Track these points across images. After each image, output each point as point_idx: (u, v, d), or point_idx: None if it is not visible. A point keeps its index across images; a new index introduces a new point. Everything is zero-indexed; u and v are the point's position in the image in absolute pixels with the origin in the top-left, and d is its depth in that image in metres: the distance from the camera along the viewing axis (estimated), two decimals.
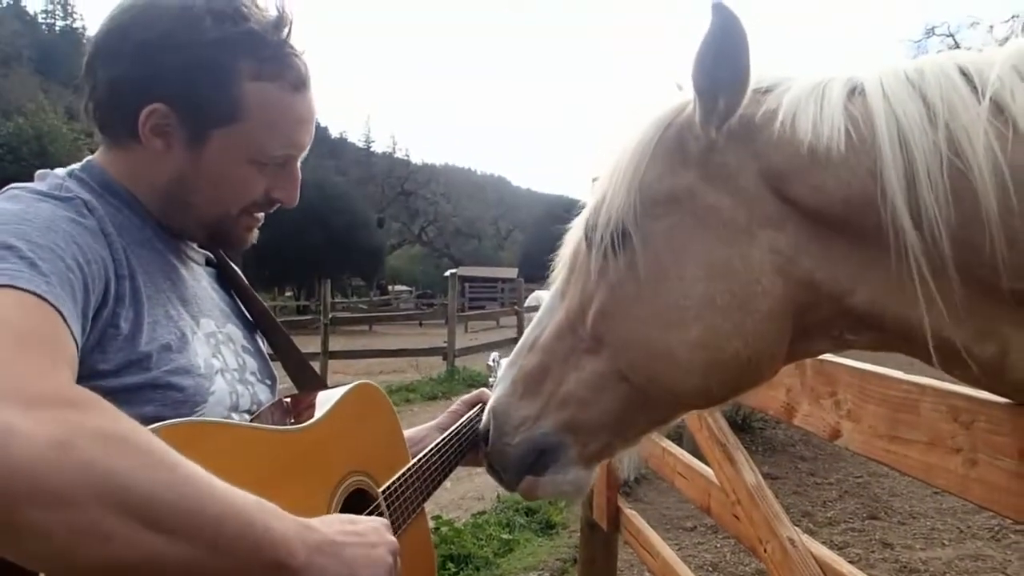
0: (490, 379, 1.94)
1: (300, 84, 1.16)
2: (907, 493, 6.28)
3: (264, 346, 1.39)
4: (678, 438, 4.60)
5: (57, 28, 68.57)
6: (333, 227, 34.71)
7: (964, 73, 0.91)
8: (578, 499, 1.49)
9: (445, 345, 13.64)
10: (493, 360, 1.99)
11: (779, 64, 1.07)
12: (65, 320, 0.87)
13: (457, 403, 1.70)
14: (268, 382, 1.30)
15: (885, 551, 5.24)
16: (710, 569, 4.94)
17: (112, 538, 0.70)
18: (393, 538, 1.03)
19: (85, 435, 0.70)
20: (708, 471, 2.41)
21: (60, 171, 1.14)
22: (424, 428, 1.61)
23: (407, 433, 1.54)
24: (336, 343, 14.00)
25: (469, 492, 6.63)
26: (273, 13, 1.13)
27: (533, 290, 20.79)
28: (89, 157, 1.19)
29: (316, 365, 11.54)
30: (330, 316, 13.37)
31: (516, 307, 17.47)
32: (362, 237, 39.15)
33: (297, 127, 1.18)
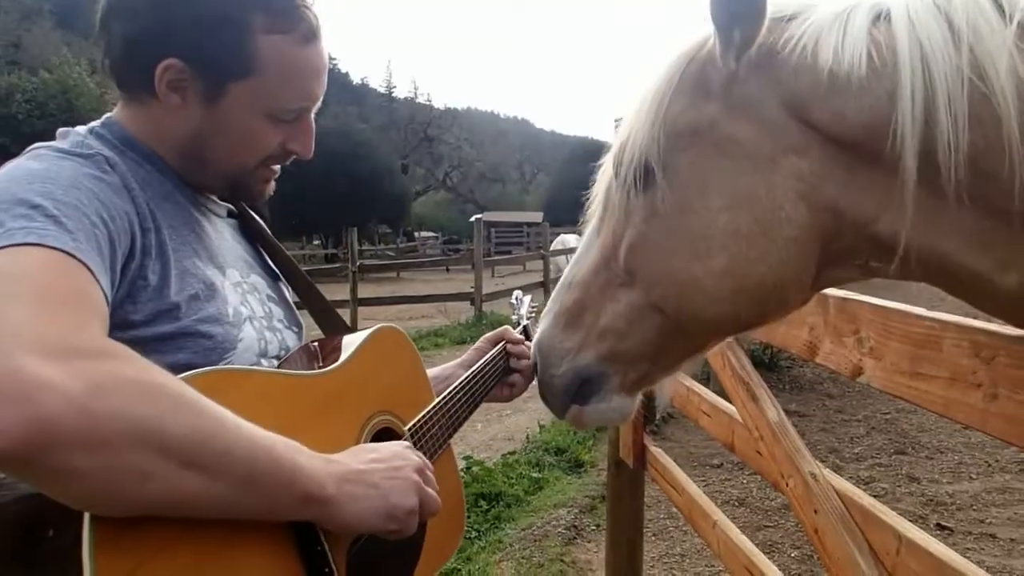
0: (513, 316, 1.97)
1: (312, 36, 1.17)
2: (935, 428, 6.29)
3: (289, 294, 1.42)
4: (706, 378, 4.64)
5: None
6: (358, 174, 34.69)
7: None
8: (621, 424, 1.55)
9: (472, 290, 13.75)
10: (516, 297, 2.03)
11: None
12: (93, 275, 0.90)
13: (481, 340, 1.73)
14: (295, 329, 1.33)
15: (912, 485, 5.29)
16: (737, 504, 5.03)
17: (151, 477, 0.75)
18: (417, 457, 1.07)
19: (116, 383, 0.75)
20: (731, 409, 2.45)
21: (81, 128, 1.16)
22: (450, 366, 1.65)
23: (433, 371, 1.58)
24: (364, 290, 14.16)
25: (499, 433, 6.78)
26: None
27: (559, 234, 20.78)
28: (108, 114, 1.20)
29: (346, 313, 11.72)
30: (358, 264, 13.51)
31: (542, 251, 17.45)
32: (387, 184, 39.10)
33: (311, 79, 1.19)
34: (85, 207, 0.96)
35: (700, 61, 1.08)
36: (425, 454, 1.19)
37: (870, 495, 1.75)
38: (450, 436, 1.43)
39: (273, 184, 1.29)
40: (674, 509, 4.28)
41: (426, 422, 1.34)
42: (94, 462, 0.71)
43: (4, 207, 0.90)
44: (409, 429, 1.29)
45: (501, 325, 1.82)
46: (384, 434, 1.24)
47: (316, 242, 41.14)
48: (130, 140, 1.15)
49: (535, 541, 4.48)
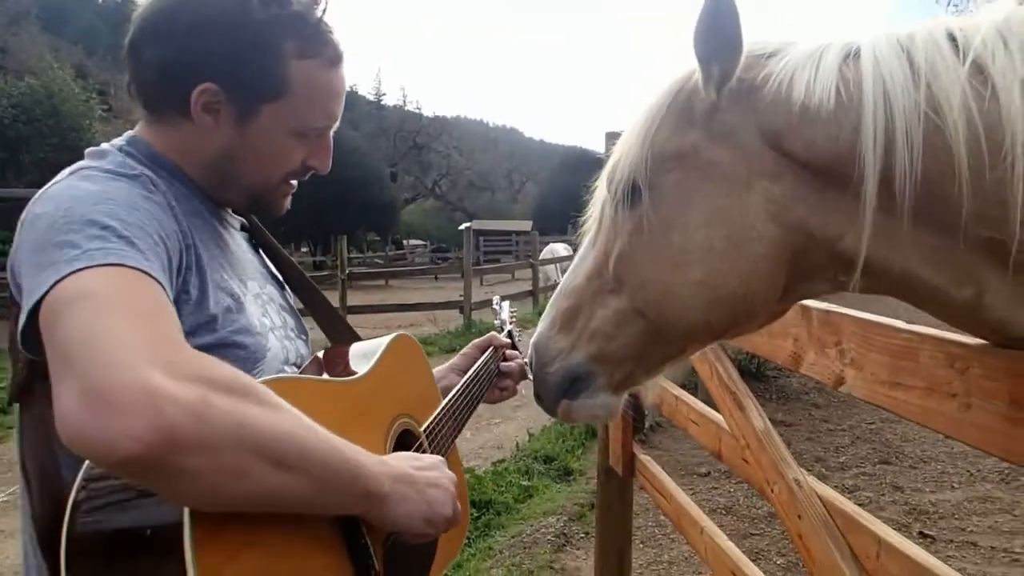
0: (496, 321, 2.06)
1: (337, 60, 1.24)
2: (918, 438, 6.38)
3: (295, 303, 1.47)
4: (694, 388, 4.70)
5: None
6: (347, 182, 34.60)
7: (952, 37, 0.97)
8: (609, 421, 1.64)
9: (461, 299, 13.78)
10: (496, 303, 2.12)
11: (784, 31, 1.15)
12: (165, 291, 0.96)
13: (468, 347, 1.81)
14: (303, 337, 1.40)
15: (895, 494, 5.37)
16: (724, 512, 5.09)
17: (248, 476, 0.82)
18: (450, 472, 1.16)
19: (219, 391, 0.81)
20: (719, 417, 2.50)
21: (109, 147, 1.19)
22: (442, 369, 1.74)
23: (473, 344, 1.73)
24: (353, 298, 14.17)
25: (488, 442, 6.81)
26: None
27: (548, 243, 20.84)
28: (131, 132, 1.24)
29: None
30: (347, 271, 13.50)
31: (531, 260, 17.51)
32: (376, 192, 39.09)
33: (334, 100, 1.26)
34: (147, 226, 1.01)
35: (687, 91, 1.17)
36: (438, 452, 1.28)
37: (854, 504, 1.80)
38: (456, 436, 1.52)
39: (290, 198, 1.35)
40: (662, 516, 4.33)
41: (437, 424, 1.44)
42: (205, 463, 0.78)
43: (76, 228, 0.94)
44: (424, 430, 1.39)
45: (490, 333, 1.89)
46: (405, 435, 1.34)
47: (304, 249, 41.00)
48: (158, 158, 1.19)
49: (525, 548, 4.52)
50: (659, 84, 1.22)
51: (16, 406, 1.09)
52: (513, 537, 4.66)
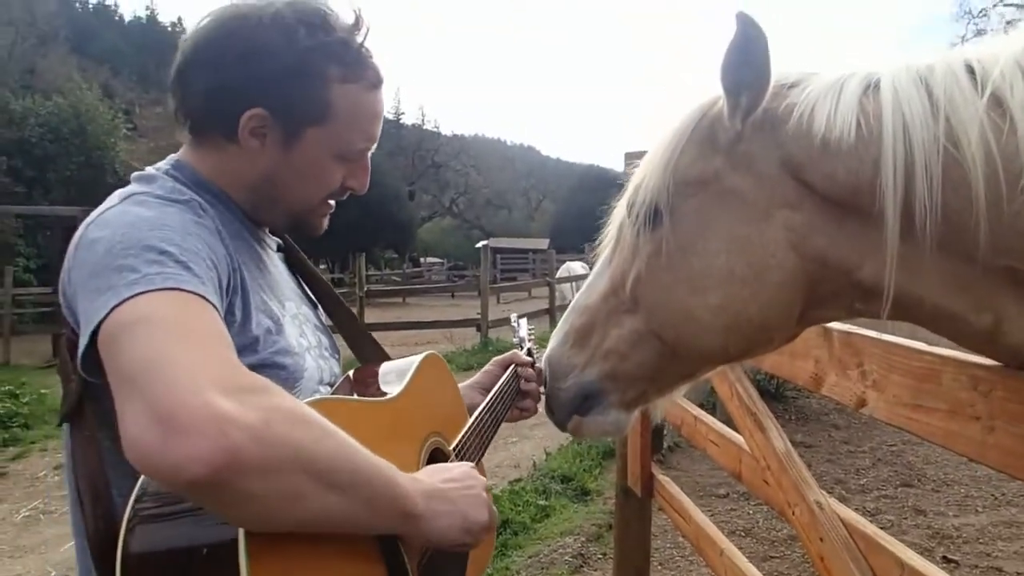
0: (514, 339, 2.07)
1: (378, 83, 1.27)
2: (941, 461, 6.29)
3: (326, 321, 1.50)
4: (712, 408, 4.67)
5: (90, 6, 69.26)
6: (365, 200, 34.52)
7: (970, 69, 0.99)
8: (618, 437, 1.67)
9: (478, 316, 13.81)
10: (514, 321, 2.14)
11: (803, 62, 1.16)
12: (220, 314, 0.98)
13: (490, 364, 1.82)
14: (336, 356, 1.42)
15: (918, 518, 5.29)
16: (743, 534, 5.04)
17: (304, 497, 0.84)
18: (483, 477, 1.18)
19: (277, 415, 0.83)
20: (739, 439, 2.49)
21: (156, 172, 1.22)
22: (464, 387, 1.74)
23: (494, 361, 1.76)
24: (371, 315, 14.23)
25: (505, 461, 6.79)
26: (351, 19, 1.23)
27: (564, 261, 20.86)
28: (175, 156, 1.28)
29: None
30: (365, 289, 13.57)
31: (548, 278, 17.52)
32: (394, 210, 39.30)
33: (374, 122, 1.29)
34: (200, 251, 1.04)
35: (711, 118, 1.18)
36: None
37: (875, 526, 1.79)
38: (482, 454, 1.55)
39: (327, 219, 1.37)
40: (680, 539, 4.30)
41: (466, 442, 1.47)
42: (266, 486, 0.80)
43: (134, 253, 0.97)
44: (454, 448, 1.42)
45: (506, 351, 1.90)
46: (436, 454, 1.35)
47: (323, 267, 41.28)
48: (203, 182, 1.23)
49: (542, 569, 4.50)
50: (682, 108, 1.24)
51: (65, 426, 1.11)
52: (531, 557, 4.64)
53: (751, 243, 1.13)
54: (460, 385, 1.74)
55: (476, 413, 1.57)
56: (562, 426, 1.43)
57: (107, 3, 68.97)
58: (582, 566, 4.59)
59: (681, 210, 1.18)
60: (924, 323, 1.12)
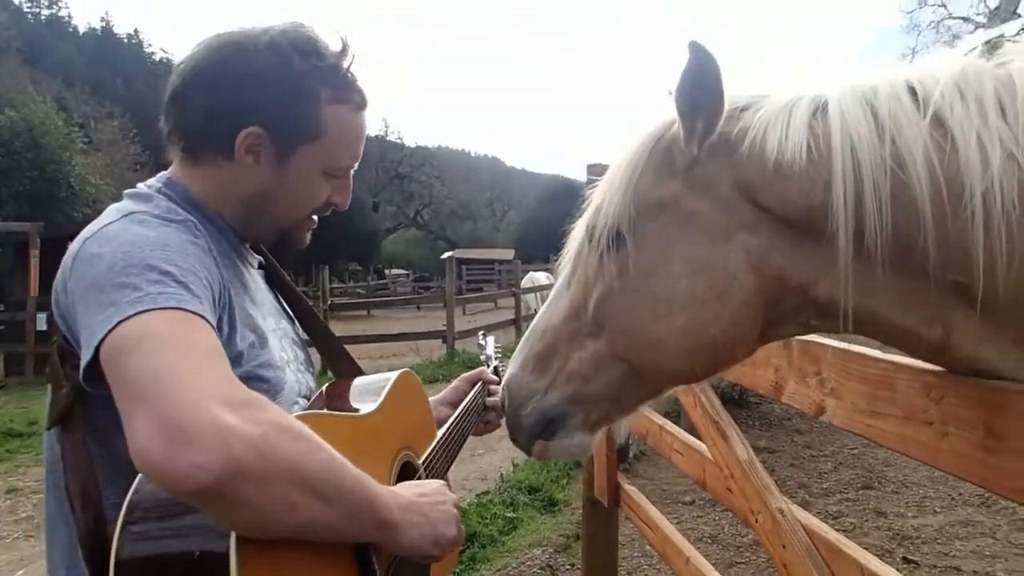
0: (481, 356, 2.11)
1: (363, 105, 1.37)
2: (900, 463, 6.42)
3: (303, 336, 1.56)
4: (676, 416, 4.71)
5: (43, 17, 67.67)
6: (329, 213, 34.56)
7: (912, 90, 1.02)
8: (583, 458, 1.69)
9: (444, 328, 13.75)
10: (481, 338, 2.18)
11: (755, 84, 1.18)
12: (216, 332, 1.04)
13: (458, 380, 1.89)
14: (311, 370, 1.48)
15: (879, 519, 5.39)
16: (709, 541, 5.08)
17: (296, 508, 0.91)
18: (453, 495, 1.25)
19: (273, 429, 0.89)
20: (703, 447, 2.52)
21: (150, 191, 1.27)
22: (432, 401, 1.80)
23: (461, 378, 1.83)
24: (335, 328, 13.85)
25: (473, 473, 6.76)
26: (339, 47, 1.33)
27: (529, 271, 20.89)
28: (165, 174, 1.33)
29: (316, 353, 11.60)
30: (329, 302, 13.44)
31: (514, 288, 17.54)
32: (357, 221, 39.10)
33: (359, 141, 1.39)
34: (197, 272, 1.10)
35: (667, 140, 1.20)
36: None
37: (839, 530, 1.82)
38: (449, 467, 1.61)
39: (310, 234, 1.45)
40: (648, 547, 4.31)
41: (434, 456, 1.54)
42: (262, 494, 0.87)
43: (136, 272, 1.02)
44: (423, 462, 1.48)
45: (473, 362, 1.95)
46: (406, 467, 1.42)
47: None
48: (193, 201, 1.29)
49: None
50: (638, 130, 1.25)
51: (52, 431, 1.16)
52: (498, 571, 4.62)
53: (712, 265, 1.14)
54: (430, 399, 1.77)
55: (444, 428, 1.63)
56: (527, 451, 1.43)
57: (60, 15, 67.55)
58: None
59: (643, 233, 1.19)
60: (878, 336, 1.14)
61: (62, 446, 1.12)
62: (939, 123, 0.98)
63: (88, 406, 1.08)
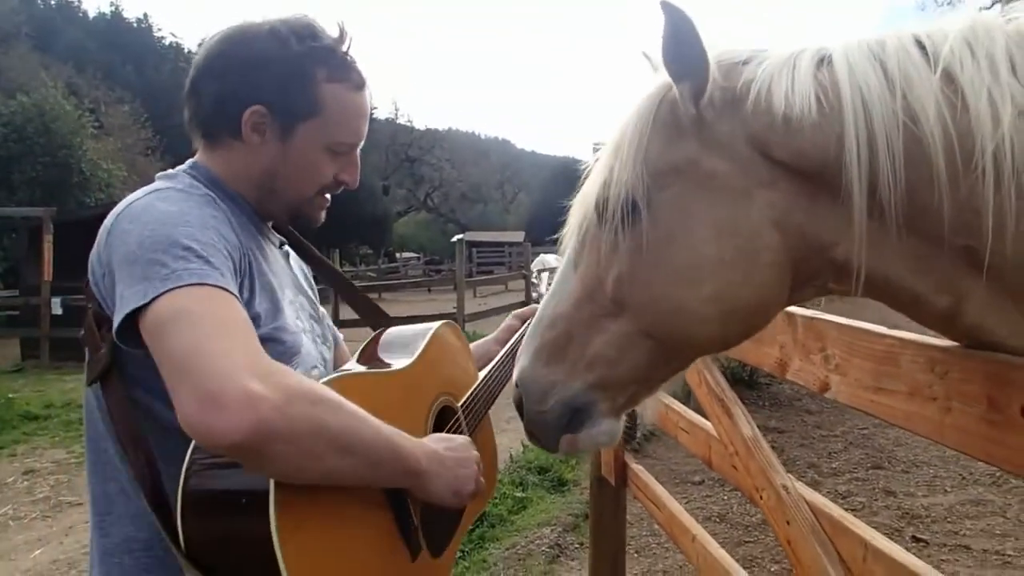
0: (534, 294, 2.19)
1: (362, 84, 1.45)
2: (910, 442, 6.41)
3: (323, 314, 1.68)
4: (686, 397, 4.71)
5: (52, 2, 67.74)
6: (339, 196, 34.08)
7: (920, 44, 0.99)
8: (611, 446, 1.68)
9: (455, 311, 13.79)
10: (535, 275, 2.22)
11: (746, 40, 1.15)
12: (240, 302, 1.17)
13: (510, 316, 2.00)
14: (328, 344, 1.59)
15: (888, 499, 5.39)
16: (718, 520, 5.10)
17: (321, 459, 1.07)
18: (476, 453, 1.39)
19: (296, 393, 1.04)
20: (708, 425, 2.52)
21: (177, 171, 1.42)
22: (485, 342, 1.98)
23: (472, 347, 1.94)
24: (346, 311, 14.11)
25: None
26: (337, 31, 1.42)
27: (539, 253, 20.84)
28: (192, 160, 1.46)
29: None
30: None
31: (524, 271, 17.54)
32: (368, 205, 39.12)
33: (359, 119, 1.47)
34: (217, 244, 1.22)
35: (669, 102, 1.15)
36: (472, 422, 1.57)
37: (848, 509, 1.82)
38: (488, 408, 1.77)
39: (324, 212, 1.55)
40: (656, 526, 4.33)
41: (473, 399, 1.69)
42: (290, 450, 1.03)
43: (163, 248, 1.15)
44: (461, 406, 1.62)
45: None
46: (445, 410, 1.56)
47: None
48: (216, 180, 1.41)
49: (519, 560, 4.51)
50: (634, 97, 1.20)
51: (92, 388, 1.31)
52: (508, 549, 4.65)
53: (737, 226, 1.09)
54: (482, 341, 1.98)
55: (486, 370, 1.78)
56: (551, 449, 1.33)
57: (70, 0, 67.62)
58: (559, 556, 4.62)
59: (659, 202, 1.13)
60: (888, 302, 1.12)
61: (107, 400, 1.27)
62: (949, 79, 0.96)
63: (124, 364, 1.24)
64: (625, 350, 1.20)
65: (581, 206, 1.27)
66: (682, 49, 1.06)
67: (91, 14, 67.19)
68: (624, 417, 1.36)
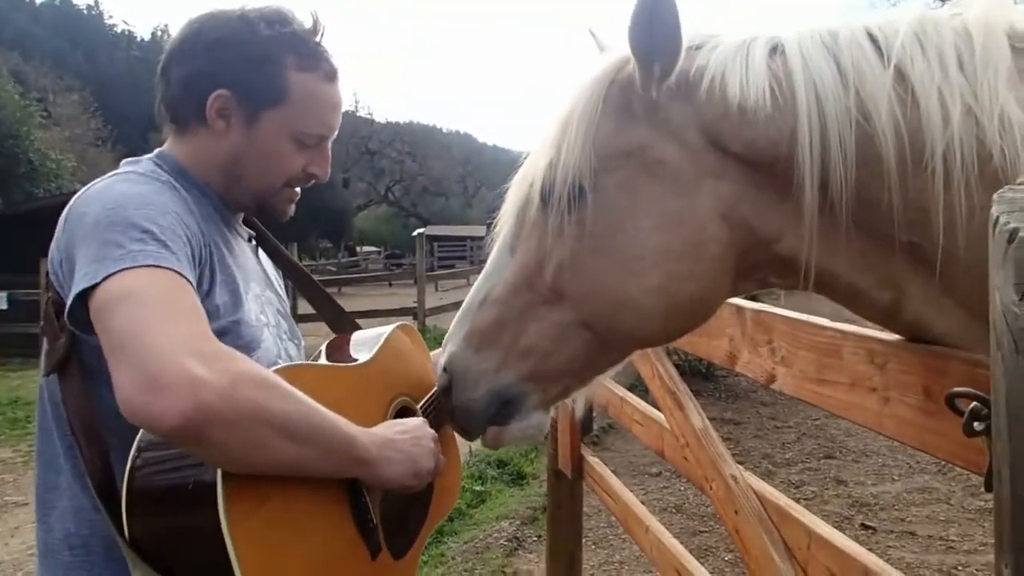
0: None
1: (332, 75, 1.41)
2: (861, 433, 6.56)
3: (289, 311, 1.66)
4: (644, 390, 4.76)
5: None
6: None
7: (872, 38, 0.99)
8: (538, 440, 1.66)
9: (415, 305, 13.71)
10: None
11: (707, 23, 1.13)
12: (193, 288, 1.14)
13: None
14: (296, 341, 1.56)
15: (839, 488, 5.52)
16: (674, 511, 5.17)
17: (267, 447, 1.03)
18: (432, 430, 1.35)
19: (241, 379, 1.01)
20: (661, 417, 2.55)
21: (142, 158, 1.39)
22: (438, 353, 1.88)
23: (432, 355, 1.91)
24: (305, 306, 13.94)
25: None
26: (310, 21, 1.40)
27: None
28: (159, 149, 1.43)
29: None
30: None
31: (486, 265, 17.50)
32: (327, 198, 38.65)
33: (329, 110, 1.42)
34: (176, 229, 1.20)
35: (620, 84, 1.11)
36: (432, 425, 1.45)
37: (800, 499, 1.85)
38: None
39: (293, 206, 1.51)
40: (613, 518, 4.37)
41: (433, 401, 1.62)
42: (232, 435, 0.99)
43: (120, 229, 1.13)
44: (421, 407, 1.58)
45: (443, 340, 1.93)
46: (404, 411, 1.52)
47: None
48: (182, 169, 1.38)
49: (477, 554, 4.52)
50: (580, 76, 1.15)
51: (49, 379, 1.28)
52: (466, 543, 4.66)
53: (684, 217, 1.07)
54: (437, 351, 1.90)
55: None
56: (475, 438, 1.31)
57: None
58: (517, 549, 4.64)
59: (606, 187, 1.09)
60: (831, 296, 1.12)
61: (62, 390, 1.23)
62: (900, 76, 0.96)
63: (82, 354, 1.21)
64: (561, 341, 1.17)
65: (521, 187, 1.21)
66: (656, 27, 1.02)
67: (38, 0, 65.19)
68: (553, 410, 1.32)
